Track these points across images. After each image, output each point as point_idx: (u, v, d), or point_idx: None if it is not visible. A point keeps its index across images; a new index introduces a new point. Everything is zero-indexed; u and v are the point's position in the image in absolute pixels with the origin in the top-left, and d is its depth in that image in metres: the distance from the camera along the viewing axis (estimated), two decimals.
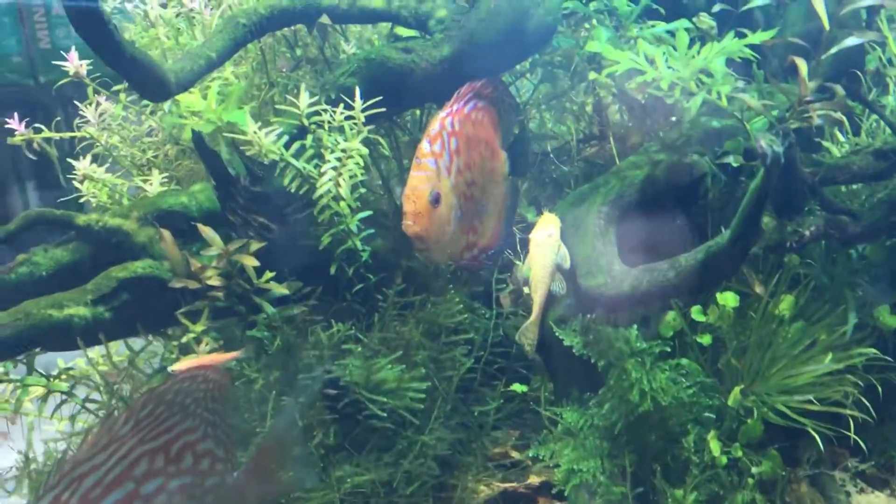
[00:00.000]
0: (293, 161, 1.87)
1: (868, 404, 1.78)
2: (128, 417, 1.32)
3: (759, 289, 1.81)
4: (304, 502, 1.60)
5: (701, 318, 1.83)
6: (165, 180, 2.14)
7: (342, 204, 1.93)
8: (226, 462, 1.44)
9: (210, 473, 1.41)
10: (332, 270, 1.95)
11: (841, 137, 1.98)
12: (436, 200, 1.71)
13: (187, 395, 1.39)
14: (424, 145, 1.71)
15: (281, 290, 1.75)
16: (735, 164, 1.82)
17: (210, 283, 1.76)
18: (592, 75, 2.01)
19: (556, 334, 1.77)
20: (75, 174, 2.18)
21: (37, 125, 2.21)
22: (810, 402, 1.75)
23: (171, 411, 1.36)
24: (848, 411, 1.76)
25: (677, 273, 1.55)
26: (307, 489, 1.60)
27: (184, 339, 1.75)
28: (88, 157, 2.12)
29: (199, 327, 1.77)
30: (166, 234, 1.77)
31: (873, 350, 1.76)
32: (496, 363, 1.88)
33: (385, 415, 1.67)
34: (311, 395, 1.67)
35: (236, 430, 1.45)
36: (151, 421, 1.34)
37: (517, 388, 1.84)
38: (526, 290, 1.91)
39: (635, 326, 1.78)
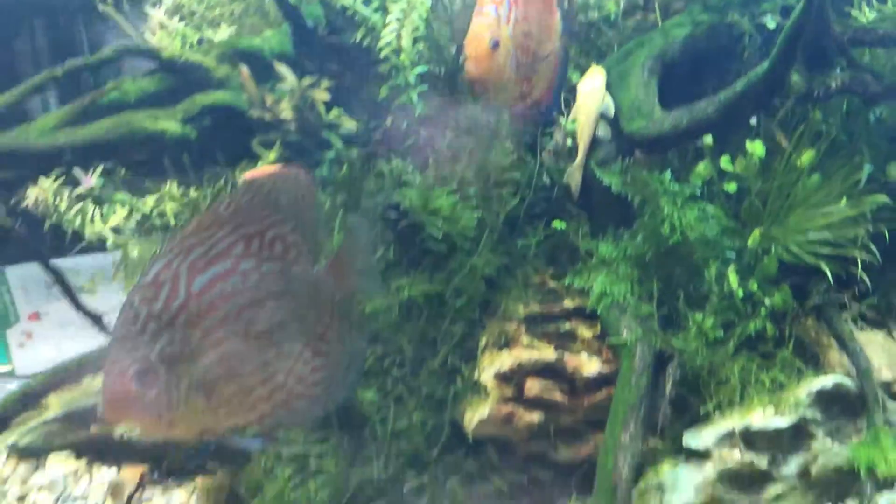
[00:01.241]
0: (361, 8, 2.01)
1: (875, 250, 1.98)
2: (229, 203, 1.51)
3: (783, 142, 1.98)
4: (367, 304, 1.81)
5: (729, 168, 2.00)
6: (232, 34, 2.29)
7: (402, 56, 2.09)
8: (309, 256, 1.64)
9: (296, 263, 1.61)
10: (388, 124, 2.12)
11: (867, 9, 2.12)
12: (495, 46, 1.87)
13: (281, 192, 1.58)
14: None
15: (350, 123, 1.93)
16: (771, 26, 1.96)
17: (283, 116, 1.94)
18: None
19: (598, 175, 1.96)
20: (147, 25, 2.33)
21: None
22: (823, 244, 1.95)
23: (266, 202, 1.55)
24: (856, 253, 1.95)
25: (716, 108, 1.72)
26: (371, 293, 1.80)
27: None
28: (163, 7, 2.27)
29: (272, 155, 1.96)
30: (244, 68, 1.94)
31: (884, 197, 1.94)
32: (538, 204, 2.07)
33: (440, 237, 1.87)
34: (374, 216, 1.86)
35: (319, 231, 1.64)
36: (250, 209, 1.53)
37: (557, 224, 2.03)
38: (569, 141, 2.09)
39: (669, 171, 1.96)
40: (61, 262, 2.17)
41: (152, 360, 1.42)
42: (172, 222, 2.00)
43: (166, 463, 2.11)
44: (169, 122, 1.84)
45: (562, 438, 1.89)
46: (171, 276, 1.45)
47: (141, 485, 2.25)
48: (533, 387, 1.85)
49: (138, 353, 1.44)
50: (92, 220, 2.06)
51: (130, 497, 2.21)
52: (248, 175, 1.80)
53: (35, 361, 2.62)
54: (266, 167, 1.83)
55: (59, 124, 1.79)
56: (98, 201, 1.94)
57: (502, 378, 1.86)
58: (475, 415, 1.84)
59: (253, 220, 1.55)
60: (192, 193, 1.93)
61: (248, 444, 1.70)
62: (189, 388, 1.48)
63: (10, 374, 2.68)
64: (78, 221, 2.04)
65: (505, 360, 1.86)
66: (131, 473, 2.27)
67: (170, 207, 1.92)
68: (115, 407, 1.42)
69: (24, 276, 2.73)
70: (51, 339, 2.74)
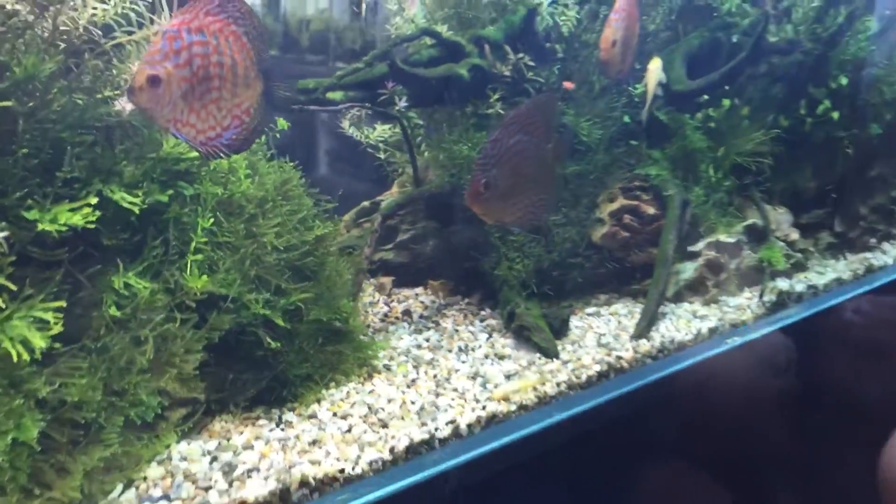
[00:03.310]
0: (544, 12, 3.66)
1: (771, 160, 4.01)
2: (522, 109, 3.18)
3: (737, 101, 3.94)
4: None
5: (712, 114, 3.93)
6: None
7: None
8: (546, 141, 3.35)
9: (542, 142, 3.32)
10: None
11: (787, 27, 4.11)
12: (614, 44, 3.63)
13: (543, 105, 3.25)
14: None
15: (539, 77, 3.61)
16: (735, 40, 3.90)
17: (504, 73, 3.57)
18: None
19: (655, 115, 3.81)
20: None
21: None
22: (748, 155, 3.95)
23: (537, 108, 3.20)
24: (763, 160, 3.97)
25: (718, 77, 3.61)
26: (565, 165, 3.52)
27: None
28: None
29: (495, 95, 3.58)
30: (487, 46, 3.52)
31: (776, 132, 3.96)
32: (623, 132, 3.88)
33: (582, 141, 3.65)
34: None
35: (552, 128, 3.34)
36: (529, 112, 3.13)
37: (632, 142, 3.87)
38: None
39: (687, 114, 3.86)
40: None
41: (489, 178, 3.09)
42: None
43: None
44: (462, 70, 3.40)
45: (635, 249, 3.77)
46: (497, 139, 3.09)
47: (393, 285, 3.85)
48: (626, 219, 3.71)
49: (484, 174, 3.10)
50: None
51: (390, 290, 3.81)
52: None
53: None
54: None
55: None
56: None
57: (611, 215, 3.70)
58: (598, 232, 3.68)
59: (529, 117, 3.22)
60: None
61: (513, 230, 3.38)
62: (497, 196, 3.17)
63: None
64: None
65: (613, 206, 3.70)
66: (386, 279, 3.87)
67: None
68: (471, 200, 3.04)
69: None
70: None
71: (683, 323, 3.61)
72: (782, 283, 4.03)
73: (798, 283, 4.11)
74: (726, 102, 3.89)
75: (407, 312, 3.58)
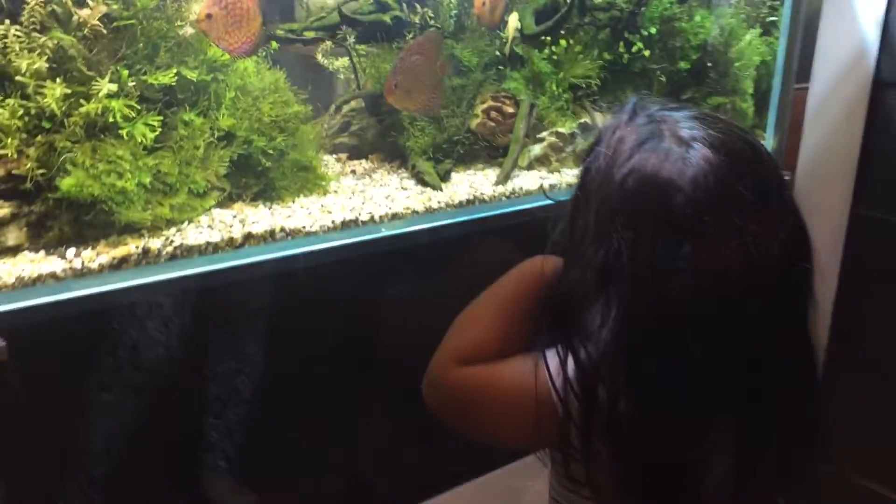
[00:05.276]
0: None
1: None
2: (417, 40, 5.26)
3: (572, 40, 6.02)
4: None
5: (553, 54, 6.01)
6: None
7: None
8: (435, 60, 5.45)
9: (432, 60, 5.41)
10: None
11: None
12: (484, 5, 5.70)
13: (433, 38, 5.34)
14: None
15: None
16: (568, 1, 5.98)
17: (412, 19, 5.65)
18: None
19: (515, 49, 5.89)
20: None
21: None
22: (580, 77, 6.03)
23: (429, 40, 5.27)
24: (591, 81, 6.05)
25: (545, 27, 5.71)
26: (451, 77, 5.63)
27: None
28: None
29: (409, 36, 5.67)
30: (396, 8, 5.62)
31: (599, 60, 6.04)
32: (494, 60, 5.98)
33: (466, 64, 5.75)
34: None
35: (440, 51, 5.43)
36: (424, 41, 5.12)
37: (499, 68, 5.97)
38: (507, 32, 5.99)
39: (536, 49, 5.94)
40: None
41: (396, 80, 5.23)
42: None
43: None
44: (386, 18, 5.51)
45: (500, 134, 5.86)
46: (402, 57, 5.00)
47: (348, 158, 5.97)
48: (492, 114, 5.79)
49: (394, 78, 5.13)
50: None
51: (345, 161, 5.93)
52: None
53: None
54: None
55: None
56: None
57: (483, 111, 5.76)
58: (474, 122, 5.76)
59: (424, 44, 5.16)
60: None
61: (416, 116, 5.49)
62: (402, 92, 5.30)
63: None
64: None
65: (484, 106, 5.77)
66: (343, 155, 5.99)
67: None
68: (386, 94, 5.12)
69: None
70: None
71: (532, 180, 5.71)
72: None
73: None
74: (563, 42, 5.97)
75: (353, 171, 5.72)
